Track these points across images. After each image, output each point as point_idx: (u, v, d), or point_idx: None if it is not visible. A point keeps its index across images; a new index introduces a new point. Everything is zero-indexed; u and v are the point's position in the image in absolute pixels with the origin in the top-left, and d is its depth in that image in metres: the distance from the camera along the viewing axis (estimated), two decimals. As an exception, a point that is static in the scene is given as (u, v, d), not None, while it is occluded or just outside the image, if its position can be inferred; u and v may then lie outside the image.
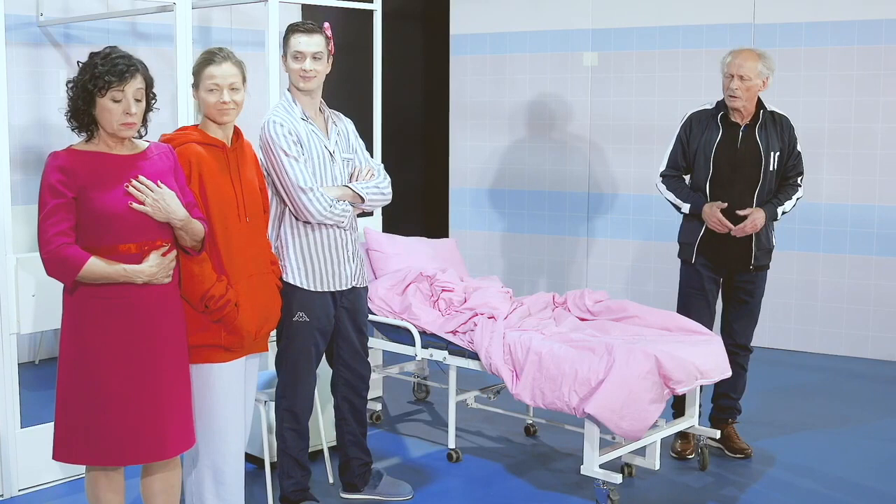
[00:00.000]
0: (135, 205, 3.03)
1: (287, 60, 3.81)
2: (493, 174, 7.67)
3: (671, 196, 4.62)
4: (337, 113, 4.03)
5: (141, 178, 3.06)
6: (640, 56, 7.06)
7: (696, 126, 4.58)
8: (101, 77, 2.98)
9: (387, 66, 5.57)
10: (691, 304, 4.64)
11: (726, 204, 4.47)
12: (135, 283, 3.05)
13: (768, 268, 4.67)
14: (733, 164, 4.50)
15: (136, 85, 3.03)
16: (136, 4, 5.88)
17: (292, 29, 3.82)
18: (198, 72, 3.41)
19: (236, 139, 3.50)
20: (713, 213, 4.47)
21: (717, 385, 4.66)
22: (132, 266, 3.04)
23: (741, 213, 4.48)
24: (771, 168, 4.51)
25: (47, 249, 2.97)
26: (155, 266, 3.07)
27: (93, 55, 3.04)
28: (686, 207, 4.58)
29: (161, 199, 3.06)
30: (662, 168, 4.67)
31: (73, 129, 3.08)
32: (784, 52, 6.53)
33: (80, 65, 3.04)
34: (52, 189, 2.98)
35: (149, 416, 3.09)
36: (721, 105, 4.56)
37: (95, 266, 2.99)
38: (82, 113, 3.02)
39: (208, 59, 3.40)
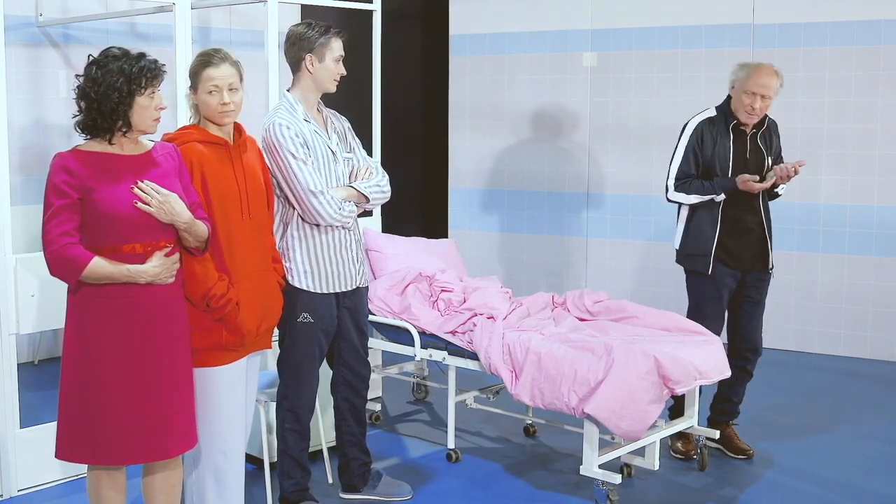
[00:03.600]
0: (140, 204, 3.03)
1: (325, 62, 3.77)
2: (493, 174, 7.67)
3: (695, 198, 4.51)
4: (333, 111, 4.02)
5: (147, 182, 3.06)
6: (639, 56, 7.06)
7: (708, 136, 4.53)
8: (141, 76, 3.01)
9: (386, 66, 5.57)
10: (706, 313, 4.56)
11: (757, 177, 4.44)
12: (138, 283, 3.05)
13: None
14: (745, 171, 4.48)
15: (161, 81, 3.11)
16: (135, 5, 5.87)
17: (330, 32, 3.78)
18: (195, 73, 3.38)
19: (238, 136, 3.48)
20: (750, 184, 4.40)
21: (720, 390, 4.69)
22: (135, 266, 3.04)
23: (765, 184, 4.45)
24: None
25: (51, 249, 2.98)
26: (158, 266, 3.07)
27: (108, 59, 3.02)
28: (720, 196, 4.47)
29: (166, 202, 3.06)
30: (671, 180, 4.57)
31: (90, 133, 3.05)
32: (783, 52, 6.53)
33: (96, 70, 3.01)
34: (56, 190, 2.98)
35: (151, 415, 3.09)
36: (726, 112, 4.55)
37: (99, 266, 2.99)
38: (119, 114, 3.01)
39: (206, 60, 3.37)
